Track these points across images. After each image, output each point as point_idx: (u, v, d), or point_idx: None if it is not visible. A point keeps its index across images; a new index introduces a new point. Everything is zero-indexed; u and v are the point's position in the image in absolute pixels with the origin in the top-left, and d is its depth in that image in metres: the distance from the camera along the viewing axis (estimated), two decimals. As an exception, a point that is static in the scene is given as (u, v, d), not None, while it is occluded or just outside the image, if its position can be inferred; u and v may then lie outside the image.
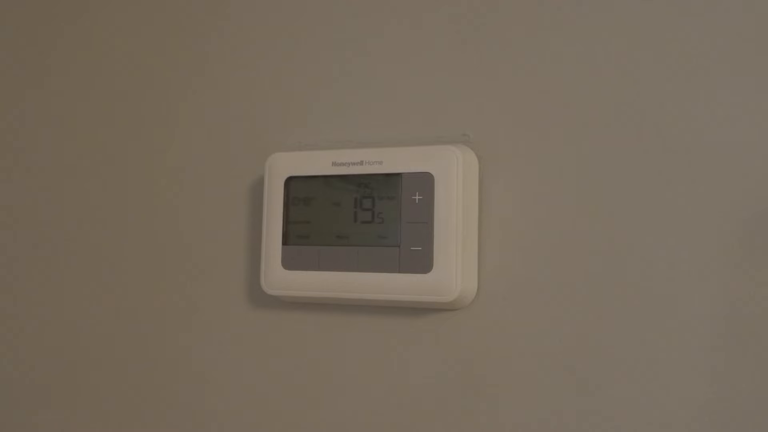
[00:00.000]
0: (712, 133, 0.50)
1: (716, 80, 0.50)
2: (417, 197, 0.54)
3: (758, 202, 0.48)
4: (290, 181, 0.58)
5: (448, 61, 0.57)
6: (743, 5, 0.50)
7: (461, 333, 0.55)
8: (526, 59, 0.55)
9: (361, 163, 0.56)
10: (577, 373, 0.52)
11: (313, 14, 0.63)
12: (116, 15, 0.71)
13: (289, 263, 0.58)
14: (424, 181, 0.54)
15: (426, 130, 0.58)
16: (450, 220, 0.53)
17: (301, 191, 0.58)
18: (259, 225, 0.62)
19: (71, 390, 0.70)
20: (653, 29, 0.52)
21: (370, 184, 0.56)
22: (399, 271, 0.54)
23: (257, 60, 0.64)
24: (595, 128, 0.53)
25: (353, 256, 0.56)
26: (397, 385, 0.57)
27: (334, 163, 0.57)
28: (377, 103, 0.60)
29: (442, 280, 0.53)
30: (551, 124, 0.54)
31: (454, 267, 0.53)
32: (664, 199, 0.51)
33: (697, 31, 0.51)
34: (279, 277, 0.58)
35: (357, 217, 0.56)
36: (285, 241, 0.58)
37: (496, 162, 0.55)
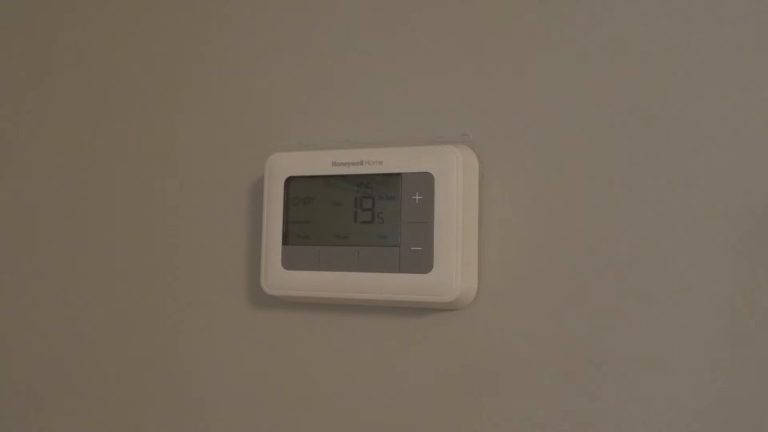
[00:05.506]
0: (713, 132, 0.50)
1: (717, 80, 0.50)
2: (417, 197, 0.54)
3: (759, 201, 0.48)
4: (290, 181, 0.58)
5: (448, 61, 0.57)
6: (744, 5, 0.50)
7: (461, 333, 0.55)
8: (526, 59, 0.55)
9: (361, 163, 0.56)
10: (577, 373, 0.52)
11: (313, 14, 0.62)
12: (116, 15, 0.71)
13: (289, 263, 0.58)
14: (424, 181, 0.54)
15: (426, 130, 0.58)
16: (450, 220, 0.53)
17: (301, 191, 0.58)
18: (259, 225, 0.62)
19: (70, 390, 0.70)
20: (653, 29, 0.52)
21: (370, 184, 0.56)
22: (399, 271, 0.54)
23: (257, 60, 0.64)
24: (596, 128, 0.53)
25: (353, 256, 0.56)
26: (397, 385, 0.57)
27: (334, 163, 0.57)
28: (377, 103, 0.60)
29: (442, 280, 0.53)
30: (551, 124, 0.54)
31: (454, 267, 0.53)
32: (665, 199, 0.51)
33: (697, 31, 0.51)
34: (279, 277, 0.58)
35: (357, 217, 0.56)
36: (285, 241, 0.58)
37: (496, 162, 0.55)
